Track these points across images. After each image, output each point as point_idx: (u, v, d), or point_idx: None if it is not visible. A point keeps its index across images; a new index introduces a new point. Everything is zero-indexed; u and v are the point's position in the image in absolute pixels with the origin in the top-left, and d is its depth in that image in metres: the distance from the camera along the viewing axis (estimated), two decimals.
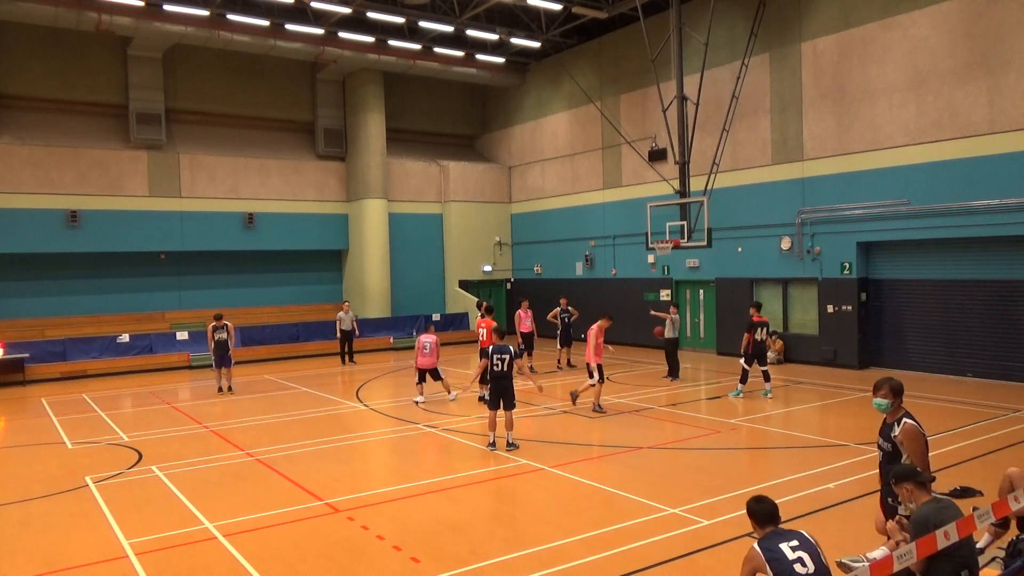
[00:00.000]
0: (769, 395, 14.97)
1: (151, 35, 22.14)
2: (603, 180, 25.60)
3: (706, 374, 18.58)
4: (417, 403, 15.09)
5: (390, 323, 26.39)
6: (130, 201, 23.45)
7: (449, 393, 15.53)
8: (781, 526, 4.74)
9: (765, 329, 15.07)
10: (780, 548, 4.48)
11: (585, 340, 14.22)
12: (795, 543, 4.52)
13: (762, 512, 4.77)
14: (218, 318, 17.15)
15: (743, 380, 15.05)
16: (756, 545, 4.61)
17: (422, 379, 15.27)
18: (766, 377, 15.03)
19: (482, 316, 16.14)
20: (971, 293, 16.62)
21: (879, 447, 6.26)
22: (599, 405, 13.86)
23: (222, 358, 17.06)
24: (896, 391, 6.11)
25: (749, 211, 20.54)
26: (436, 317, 27.27)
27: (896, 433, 6.04)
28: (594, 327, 13.90)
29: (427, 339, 15.26)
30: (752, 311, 15.22)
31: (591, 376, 13.71)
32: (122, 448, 11.94)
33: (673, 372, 17.37)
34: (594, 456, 10.63)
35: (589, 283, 26.06)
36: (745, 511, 4.89)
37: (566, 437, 12.05)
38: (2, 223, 21.48)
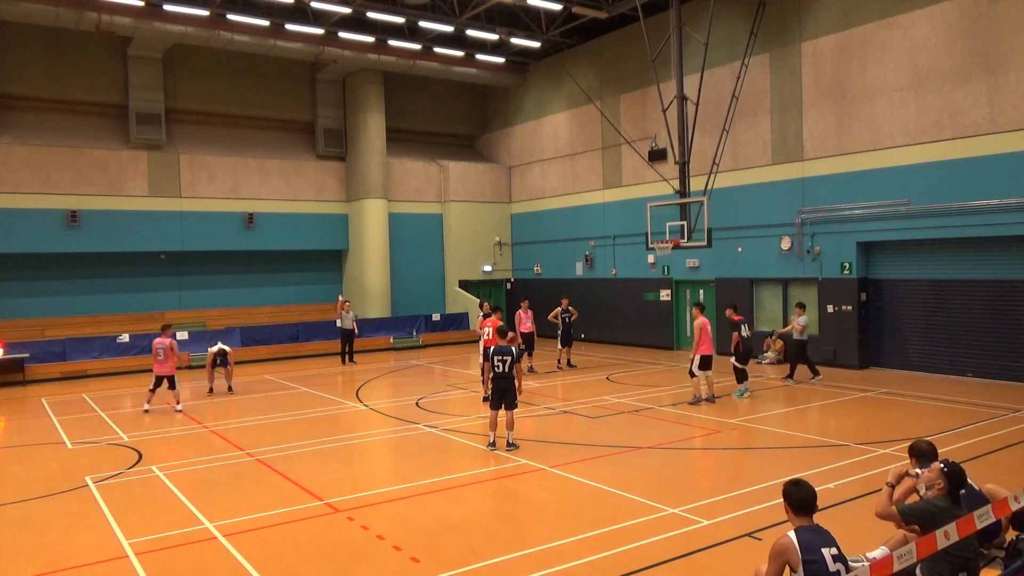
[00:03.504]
0: (746, 395, 14.99)
1: (151, 35, 22.13)
2: (603, 180, 25.60)
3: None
4: (146, 411, 14.77)
5: (390, 323, 26.39)
6: (130, 201, 23.45)
7: (177, 404, 14.88)
8: (816, 522, 4.48)
9: (746, 326, 15.34)
10: (822, 552, 4.23)
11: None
12: (835, 552, 4.28)
13: (798, 498, 4.48)
14: (222, 354, 17.16)
15: (741, 379, 15.07)
16: (792, 535, 4.31)
17: (157, 385, 14.73)
18: (743, 376, 15.10)
19: (486, 316, 16.04)
20: (971, 293, 16.61)
21: None
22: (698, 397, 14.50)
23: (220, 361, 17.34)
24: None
25: (749, 211, 20.53)
26: (436, 317, 27.31)
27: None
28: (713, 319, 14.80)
29: (160, 343, 14.65)
30: (729, 311, 15.60)
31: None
32: (122, 448, 11.94)
33: (791, 373, 16.80)
34: (594, 456, 10.62)
35: (589, 283, 26.05)
36: (781, 496, 4.64)
37: (566, 437, 12.04)
38: (2, 223, 21.48)
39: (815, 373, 16.71)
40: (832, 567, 4.22)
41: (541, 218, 28.47)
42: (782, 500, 4.68)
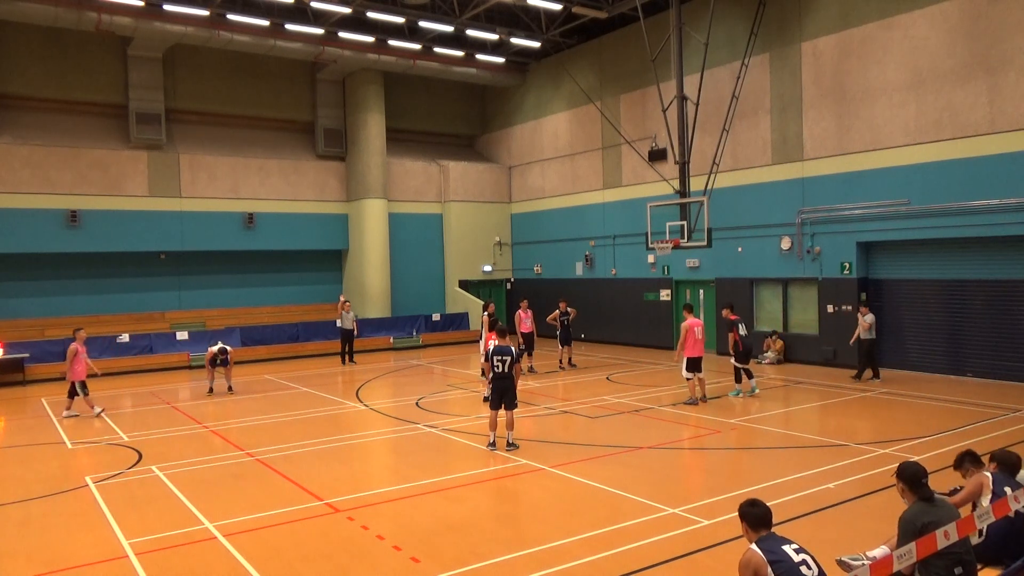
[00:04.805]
0: (740, 395, 14.97)
1: (151, 35, 22.13)
2: (603, 180, 25.60)
3: (705, 374, 18.51)
4: (66, 416, 14.61)
5: (390, 323, 26.40)
6: (130, 201, 23.45)
7: (67, 411, 14.72)
8: (774, 531, 4.70)
9: (743, 325, 15.35)
10: (783, 550, 4.43)
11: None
12: (796, 546, 4.49)
13: (755, 515, 4.70)
14: (222, 352, 17.13)
15: (739, 379, 15.06)
16: (754, 546, 4.53)
17: (84, 391, 14.65)
18: (748, 375, 15.06)
19: (488, 317, 16.08)
20: (971, 293, 16.61)
21: None
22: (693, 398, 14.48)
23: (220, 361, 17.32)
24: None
25: (749, 211, 20.53)
26: (436, 317, 27.31)
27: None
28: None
29: (81, 349, 14.64)
30: (725, 311, 15.67)
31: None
32: (122, 448, 11.94)
33: (875, 373, 16.47)
34: (594, 456, 10.62)
35: (589, 283, 26.05)
36: (737, 514, 4.85)
37: (566, 437, 12.04)
38: (2, 223, 21.47)
39: (859, 374, 16.59)
40: (796, 558, 4.40)
41: (541, 218, 28.47)
42: (740, 520, 4.84)
